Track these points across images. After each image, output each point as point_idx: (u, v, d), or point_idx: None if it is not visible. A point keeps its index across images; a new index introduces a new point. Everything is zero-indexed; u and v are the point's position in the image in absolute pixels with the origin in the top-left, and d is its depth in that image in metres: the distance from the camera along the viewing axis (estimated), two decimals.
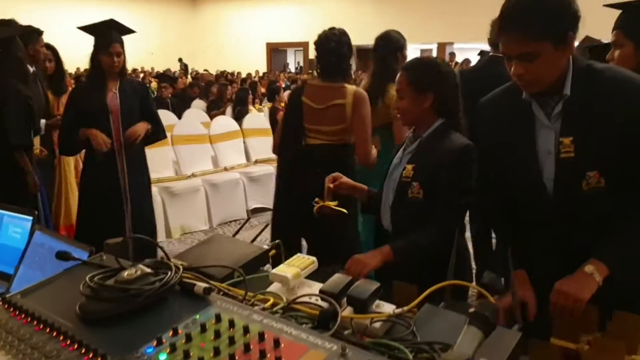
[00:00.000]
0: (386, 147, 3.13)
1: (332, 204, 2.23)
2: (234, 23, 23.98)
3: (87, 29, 3.62)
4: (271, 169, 6.11)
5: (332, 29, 3.21)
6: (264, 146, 6.60)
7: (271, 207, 6.03)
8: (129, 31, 3.63)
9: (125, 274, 1.15)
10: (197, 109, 7.58)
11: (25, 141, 3.49)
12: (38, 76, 4.20)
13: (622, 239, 1.59)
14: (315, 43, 3.19)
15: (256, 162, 6.33)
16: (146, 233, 3.27)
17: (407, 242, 2.04)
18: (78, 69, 19.86)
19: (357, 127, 2.99)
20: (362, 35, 19.73)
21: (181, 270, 1.19)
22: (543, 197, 1.67)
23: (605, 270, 1.54)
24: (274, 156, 6.51)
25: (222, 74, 16.99)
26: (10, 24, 4.37)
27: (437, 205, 2.02)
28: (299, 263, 1.37)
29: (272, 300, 1.23)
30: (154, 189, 5.04)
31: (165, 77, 7.80)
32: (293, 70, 24.46)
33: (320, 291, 1.25)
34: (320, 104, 3.01)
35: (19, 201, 3.34)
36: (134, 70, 20.73)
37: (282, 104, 9.12)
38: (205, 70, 20.84)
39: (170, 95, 7.40)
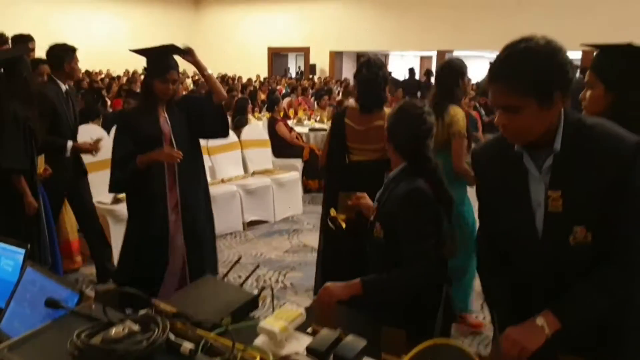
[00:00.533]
0: (445, 167, 3.18)
1: (341, 217, 2.49)
2: (237, 27, 24.01)
3: (142, 52, 3.49)
4: (268, 181, 6.14)
5: (369, 62, 3.48)
6: (262, 157, 6.63)
7: (266, 219, 6.12)
8: (183, 52, 3.49)
9: (113, 332, 1.16)
10: None
11: (17, 165, 3.37)
12: (71, 95, 4.23)
13: (580, 293, 1.60)
14: (355, 77, 3.53)
15: (253, 173, 6.33)
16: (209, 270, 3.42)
17: (377, 280, 2.13)
18: (87, 70, 19.92)
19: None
20: (363, 42, 19.99)
21: (168, 328, 1.20)
22: (533, 248, 1.69)
23: (556, 323, 1.57)
24: (271, 167, 6.60)
25: (224, 79, 17.02)
26: (26, 39, 4.40)
27: (402, 251, 2.10)
28: (287, 316, 1.38)
29: (257, 358, 1.23)
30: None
31: None
32: (294, 74, 24.50)
33: (307, 349, 1.26)
34: (362, 126, 3.35)
35: (20, 224, 3.41)
36: (134, 73, 20.78)
37: (281, 114, 9.15)
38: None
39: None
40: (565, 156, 1.61)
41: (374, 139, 3.28)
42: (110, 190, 3.44)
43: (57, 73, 4.10)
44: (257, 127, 6.82)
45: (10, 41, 4.93)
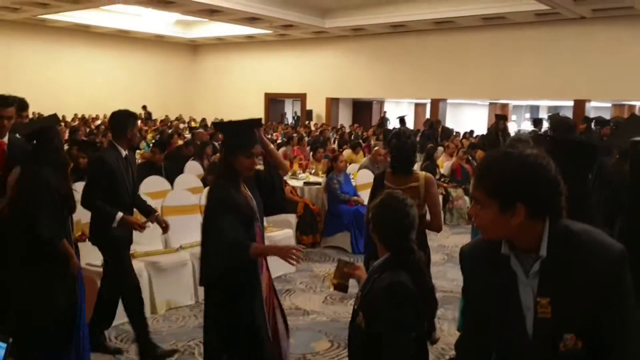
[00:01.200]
0: None
1: (333, 280, 2.66)
2: (234, 73, 24.33)
3: (227, 126, 3.44)
4: None
5: (399, 133, 3.99)
6: None
7: None
8: (261, 125, 3.41)
9: None
10: (191, 174, 7.57)
11: (54, 233, 3.47)
12: (130, 161, 4.24)
13: None
14: (389, 144, 4.02)
15: None
16: None
17: None
18: (76, 115, 20.03)
19: (431, 203, 4.00)
20: (359, 89, 20.35)
21: None
22: (524, 351, 1.67)
23: None
24: (265, 224, 6.56)
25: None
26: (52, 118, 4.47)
27: (382, 342, 2.16)
28: None
29: None
30: (140, 264, 5.01)
31: (156, 143, 7.80)
32: (290, 119, 24.70)
33: None
34: (399, 186, 3.80)
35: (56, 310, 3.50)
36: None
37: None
38: (203, 119, 21.03)
39: (162, 160, 7.40)
40: (552, 263, 1.61)
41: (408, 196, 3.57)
42: (211, 279, 3.13)
43: (118, 139, 4.11)
44: None
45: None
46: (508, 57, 17.06)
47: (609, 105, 19.85)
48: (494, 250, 1.71)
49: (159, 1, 15.53)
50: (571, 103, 17.28)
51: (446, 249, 7.63)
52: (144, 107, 20.90)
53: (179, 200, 5.85)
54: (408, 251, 2.28)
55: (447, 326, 4.97)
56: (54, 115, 4.39)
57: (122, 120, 4.11)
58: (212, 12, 17.09)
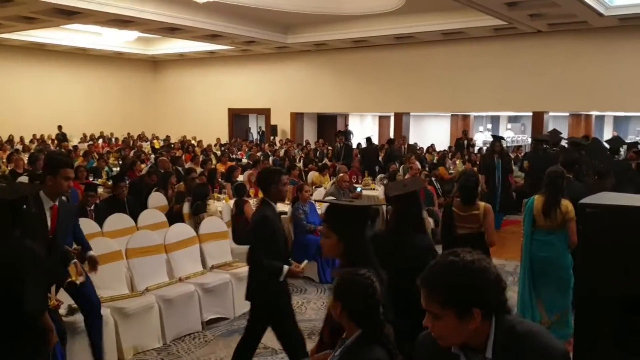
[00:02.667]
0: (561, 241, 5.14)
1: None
2: (196, 89, 24.16)
3: (344, 209, 3.37)
4: (227, 277, 6.06)
5: (466, 173, 5.53)
6: (221, 250, 6.56)
7: (226, 316, 6.01)
8: None
9: None
10: (155, 209, 7.48)
11: (39, 307, 3.34)
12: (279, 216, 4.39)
13: None
14: (457, 181, 5.49)
15: (212, 268, 6.25)
16: None
17: None
18: (34, 135, 19.60)
19: (487, 226, 5.00)
20: (323, 104, 20.42)
21: None
22: None
23: None
24: (230, 260, 6.53)
25: (183, 145, 16.99)
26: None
27: None
28: None
29: None
30: (107, 310, 4.94)
31: (118, 178, 7.68)
32: (255, 134, 24.62)
33: None
34: (464, 212, 5.02)
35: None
36: (92, 136, 20.58)
37: (253, 192, 9.10)
38: (167, 137, 20.81)
39: (126, 194, 7.30)
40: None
41: (472, 220, 4.99)
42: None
43: (267, 196, 4.28)
44: (215, 220, 6.77)
45: None
46: (468, 71, 17.37)
47: (567, 115, 20.37)
48: (445, 348, 1.76)
49: (118, 20, 15.35)
50: (530, 114, 17.68)
51: None
52: (59, 128, 20.30)
53: (143, 241, 5.77)
54: (380, 325, 2.30)
55: None
56: (33, 184, 4.27)
57: (268, 178, 4.25)
58: (173, 30, 16.98)
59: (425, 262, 3.53)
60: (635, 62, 14.76)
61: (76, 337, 4.68)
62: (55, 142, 18.77)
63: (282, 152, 15.85)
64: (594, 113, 19.37)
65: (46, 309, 3.41)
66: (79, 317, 4.69)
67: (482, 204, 5.14)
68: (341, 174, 9.09)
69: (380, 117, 24.71)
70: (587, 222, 2.62)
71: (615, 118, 24.14)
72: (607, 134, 22.74)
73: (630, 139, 23.59)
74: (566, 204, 4.98)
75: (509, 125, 25.99)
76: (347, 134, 19.90)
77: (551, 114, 18.11)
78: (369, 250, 2.82)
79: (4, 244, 3.35)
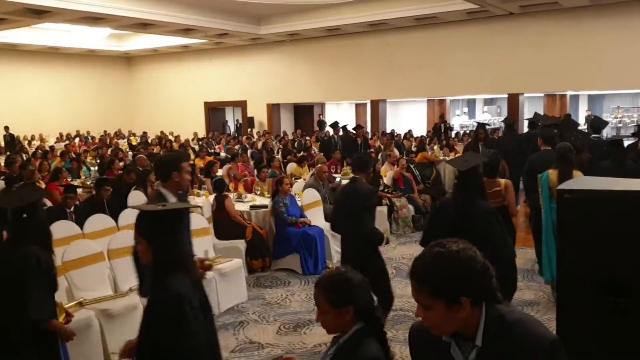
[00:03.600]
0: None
1: None
2: (171, 83, 23.97)
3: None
4: (210, 273, 6.06)
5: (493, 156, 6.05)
6: (203, 246, 6.54)
7: (214, 313, 6.02)
8: None
9: None
10: (133, 210, 7.44)
11: (45, 315, 3.32)
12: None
13: None
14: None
15: None
16: None
17: None
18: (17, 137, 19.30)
19: (509, 200, 5.76)
20: (299, 94, 20.38)
21: None
22: None
23: None
24: (213, 256, 6.53)
25: (161, 141, 16.86)
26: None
27: None
28: None
29: None
30: (90, 313, 4.93)
31: (101, 182, 7.61)
32: (232, 127, 24.50)
33: None
34: (488, 190, 5.20)
35: None
36: (68, 135, 20.34)
37: (232, 187, 9.09)
38: (144, 133, 20.63)
39: (109, 197, 7.25)
40: (488, 352, 1.71)
41: (494, 196, 5.57)
42: None
43: (359, 171, 4.89)
44: (196, 217, 6.74)
45: None
46: (443, 55, 17.44)
47: (542, 95, 20.59)
48: (436, 336, 1.80)
49: (89, 18, 15.15)
50: (505, 95, 17.84)
51: (393, 261, 7.76)
52: (6, 129, 19.18)
53: (125, 241, 5.74)
54: (377, 321, 2.31)
55: (398, 349, 5.07)
56: (39, 189, 4.22)
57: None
58: (145, 26, 16.80)
59: (491, 221, 4.48)
60: (606, 41, 14.94)
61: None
62: (3, 144, 18.11)
63: (259, 144, 15.82)
64: (569, 93, 19.60)
65: (53, 316, 3.39)
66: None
67: (502, 180, 5.85)
68: (319, 165, 9.12)
69: (357, 105, 24.74)
70: (564, 207, 2.66)
71: (590, 97, 24.47)
72: (582, 112, 23.06)
73: (604, 116, 23.98)
74: (577, 174, 5.45)
75: (485, 108, 26.22)
76: (321, 123, 19.90)
77: (526, 95, 18.29)
78: (180, 255, 2.69)
79: (8, 251, 3.34)
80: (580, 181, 3.11)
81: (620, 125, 23.07)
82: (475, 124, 12.73)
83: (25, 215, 3.40)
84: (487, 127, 11.68)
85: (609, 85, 16.52)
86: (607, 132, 20.06)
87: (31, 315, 3.24)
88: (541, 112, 17.78)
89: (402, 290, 6.58)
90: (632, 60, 14.63)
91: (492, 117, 24.24)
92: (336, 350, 2.28)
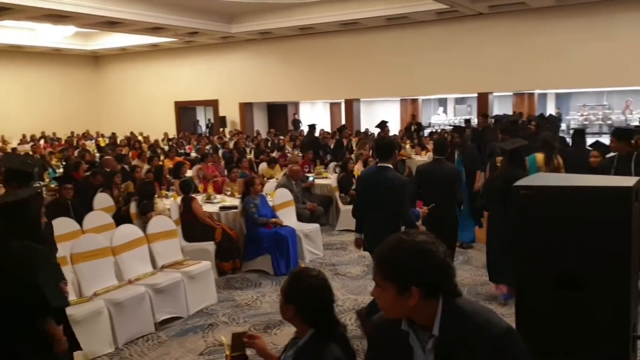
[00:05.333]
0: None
1: (233, 355, 2.53)
2: (140, 83, 23.63)
3: None
4: (178, 276, 5.95)
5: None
6: (170, 248, 6.43)
7: (180, 315, 5.91)
8: None
9: None
10: (100, 211, 7.27)
11: (64, 303, 3.40)
12: None
13: None
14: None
15: (162, 268, 6.13)
16: None
17: None
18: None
19: None
20: (272, 93, 20.36)
21: None
22: None
23: None
24: (181, 257, 6.41)
25: (130, 142, 16.58)
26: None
27: None
28: None
29: None
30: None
31: (63, 180, 7.43)
32: (204, 127, 24.26)
33: None
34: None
35: None
36: (32, 137, 19.90)
37: (202, 188, 8.95)
38: (113, 134, 20.29)
39: (71, 196, 7.07)
40: (444, 341, 1.77)
41: None
42: None
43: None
44: (163, 219, 6.62)
45: None
46: (414, 55, 17.52)
47: (511, 94, 20.81)
48: (396, 325, 1.85)
49: (53, 15, 14.80)
50: (476, 94, 18.00)
51: (365, 259, 7.73)
52: None
53: (89, 245, 5.60)
54: (334, 322, 2.29)
55: None
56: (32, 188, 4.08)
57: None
58: (112, 24, 16.51)
59: None
60: (572, 40, 15.17)
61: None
62: None
63: (231, 144, 15.67)
64: (537, 91, 19.84)
65: (68, 304, 3.49)
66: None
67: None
68: (290, 165, 9.04)
69: (332, 104, 24.71)
70: (521, 204, 2.68)
71: (557, 95, 24.83)
72: (550, 110, 23.40)
73: (571, 114, 24.41)
74: (558, 158, 6.64)
75: (456, 107, 26.44)
76: (296, 123, 19.82)
77: (495, 94, 18.47)
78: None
79: (18, 245, 3.22)
80: (536, 178, 3.15)
81: (586, 122, 23.46)
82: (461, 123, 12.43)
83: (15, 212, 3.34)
84: (467, 129, 11.23)
85: (575, 83, 16.78)
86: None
87: (54, 303, 3.21)
88: (510, 111, 18.03)
89: None
90: (598, 59, 14.88)
91: (463, 117, 24.46)
92: (295, 352, 2.28)
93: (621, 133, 6.08)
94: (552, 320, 2.61)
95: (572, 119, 23.32)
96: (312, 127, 14.73)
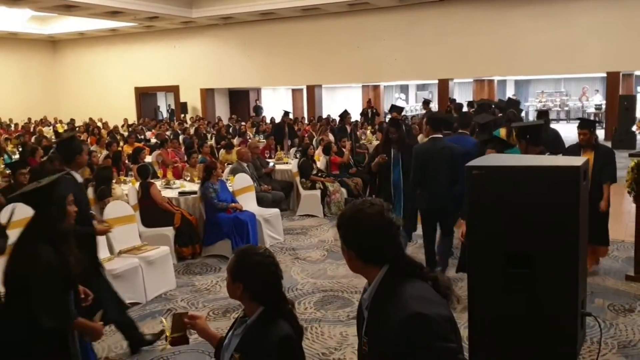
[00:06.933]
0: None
1: (174, 335, 2.54)
2: (99, 68, 23.17)
3: None
4: (136, 261, 5.91)
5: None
6: (128, 234, 6.38)
7: (138, 301, 5.89)
8: None
9: None
10: None
11: (61, 322, 2.89)
12: None
13: None
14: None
15: (120, 253, 6.09)
16: None
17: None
18: None
19: None
20: (234, 79, 20.18)
21: None
22: None
23: None
24: (139, 243, 6.37)
25: (88, 128, 16.28)
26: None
27: None
28: None
29: None
30: None
31: (17, 165, 7.28)
32: (165, 113, 23.95)
33: None
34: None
35: None
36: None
37: (161, 173, 8.88)
38: (72, 120, 19.88)
39: (27, 181, 6.92)
40: (373, 308, 1.89)
41: None
42: None
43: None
44: (120, 204, 6.56)
45: None
46: (375, 41, 17.61)
47: (471, 81, 21.13)
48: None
49: None
50: (436, 81, 18.22)
51: (325, 244, 7.81)
52: None
53: None
54: (283, 301, 2.30)
55: (327, 329, 5.11)
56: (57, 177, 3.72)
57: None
58: (69, 8, 16.14)
59: None
60: (530, 27, 15.47)
61: None
62: None
63: (192, 130, 15.53)
64: (496, 78, 20.19)
65: (69, 320, 2.97)
66: None
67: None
68: (238, 147, 9.11)
69: (294, 90, 24.66)
70: (473, 183, 2.73)
71: (516, 82, 25.30)
72: (509, 96, 23.82)
73: (530, 100, 24.91)
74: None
75: (418, 94, 26.67)
76: (257, 109, 19.75)
77: (456, 80, 18.72)
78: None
79: (21, 250, 2.93)
80: (488, 158, 3.22)
81: (544, 109, 23.95)
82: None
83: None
84: (404, 121, 10.83)
85: (533, 70, 17.15)
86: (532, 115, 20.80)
87: (41, 321, 2.82)
88: (470, 97, 18.29)
89: (333, 272, 6.65)
90: (555, 47, 15.22)
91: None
92: (245, 332, 2.28)
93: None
94: (503, 297, 2.67)
95: (531, 105, 23.81)
96: (286, 113, 14.78)
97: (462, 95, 20.28)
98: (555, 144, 7.49)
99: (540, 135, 5.30)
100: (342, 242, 1.95)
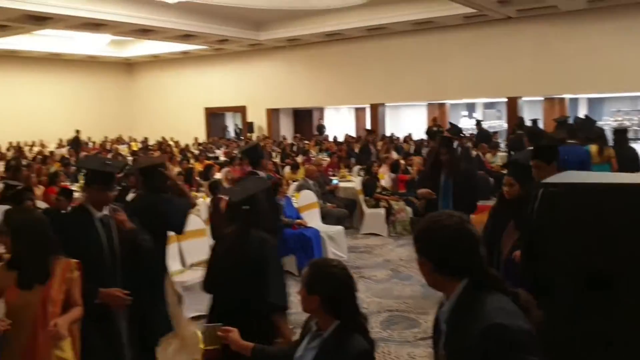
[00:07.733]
0: None
1: (208, 348, 2.63)
2: (172, 89, 24.05)
3: None
4: None
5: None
6: (199, 248, 6.58)
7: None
8: None
9: None
10: None
11: (282, 300, 3.40)
12: None
13: None
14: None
15: (191, 266, 6.28)
16: None
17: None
18: (10, 143, 19.36)
19: None
20: (298, 99, 20.45)
21: None
22: None
23: None
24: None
25: (161, 147, 16.92)
26: None
27: None
28: None
29: None
30: None
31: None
32: (232, 132, 24.56)
33: None
34: None
35: None
36: (69, 141, 20.38)
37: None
38: (145, 139, 20.71)
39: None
40: (452, 319, 1.85)
41: None
42: None
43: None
44: (192, 218, 6.77)
45: None
46: (441, 59, 17.49)
47: (541, 99, 20.59)
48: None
49: (90, 24, 15.23)
50: (505, 99, 17.87)
51: (391, 263, 7.79)
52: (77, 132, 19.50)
53: None
54: (358, 314, 2.31)
55: (394, 349, 5.08)
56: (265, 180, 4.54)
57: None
58: (145, 32, 16.88)
59: None
60: (605, 44, 14.97)
61: None
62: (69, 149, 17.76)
63: None
64: (568, 96, 19.60)
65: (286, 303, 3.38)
66: None
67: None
68: (307, 165, 9.22)
69: (357, 109, 24.78)
70: (548, 200, 2.62)
71: (590, 100, 24.45)
72: (582, 116, 23.03)
73: (604, 120, 23.99)
74: (609, 149, 7.77)
75: (485, 112, 26.23)
76: (320, 128, 19.96)
77: (525, 98, 18.30)
78: None
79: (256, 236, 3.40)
80: (565, 175, 3.11)
81: (621, 127, 23.00)
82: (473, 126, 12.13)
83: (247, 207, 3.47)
84: (460, 139, 10.29)
85: (608, 88, 16.54)
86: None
87: (271, 299, 3.23)
88: (540, 116, 17.85)
89: (399, 292, 6.61)
90: (632, 63, 14.65)
91: (492, 121, 24.28)
92: (321, 346, 2.26)
93: None
94: (580, 321, 2.55)
95: (605, 124, 22.95)
96: (370, 132, 15.02)
97: (532, 114, 19.73)
98: (635, 164, 7.35)
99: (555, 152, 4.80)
100: (420, 255, 1.91)
